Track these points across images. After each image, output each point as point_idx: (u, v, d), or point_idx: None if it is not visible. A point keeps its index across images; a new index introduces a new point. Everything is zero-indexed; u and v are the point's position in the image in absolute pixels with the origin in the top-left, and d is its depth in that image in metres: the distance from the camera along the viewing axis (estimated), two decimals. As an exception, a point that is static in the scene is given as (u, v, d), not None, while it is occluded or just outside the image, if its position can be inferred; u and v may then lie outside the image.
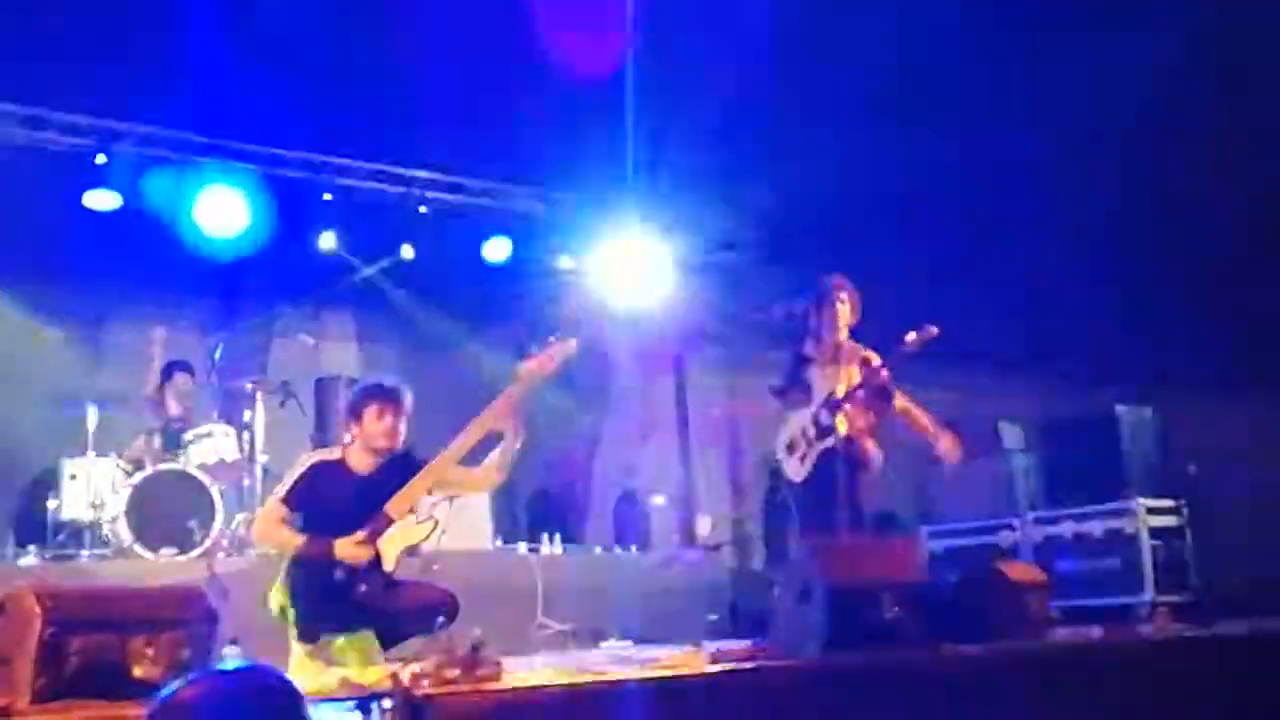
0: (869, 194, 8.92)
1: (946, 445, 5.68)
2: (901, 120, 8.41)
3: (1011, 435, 8.31)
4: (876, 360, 5.76)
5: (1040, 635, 4.80)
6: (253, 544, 6.63)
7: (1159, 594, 7.00)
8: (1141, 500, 7.30)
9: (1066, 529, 7.53)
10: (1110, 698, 4.34)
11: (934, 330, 5.59)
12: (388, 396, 4.61)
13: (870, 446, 5.78)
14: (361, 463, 4.61)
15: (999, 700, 4.12)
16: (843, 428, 5.61)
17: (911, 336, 5.61)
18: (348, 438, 4.66)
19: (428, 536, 4.62)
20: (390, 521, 4.40)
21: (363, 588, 4.28)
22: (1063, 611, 5.37)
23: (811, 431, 5.73)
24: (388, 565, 4.36)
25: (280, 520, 4.45)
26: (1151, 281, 10.50)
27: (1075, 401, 9.50)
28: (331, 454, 4.60)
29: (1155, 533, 7.20)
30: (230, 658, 4.72)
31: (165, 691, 1.76)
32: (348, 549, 4.24)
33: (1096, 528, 7.37)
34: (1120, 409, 7.81)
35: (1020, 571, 5.17)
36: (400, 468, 4.58)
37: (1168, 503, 7.43)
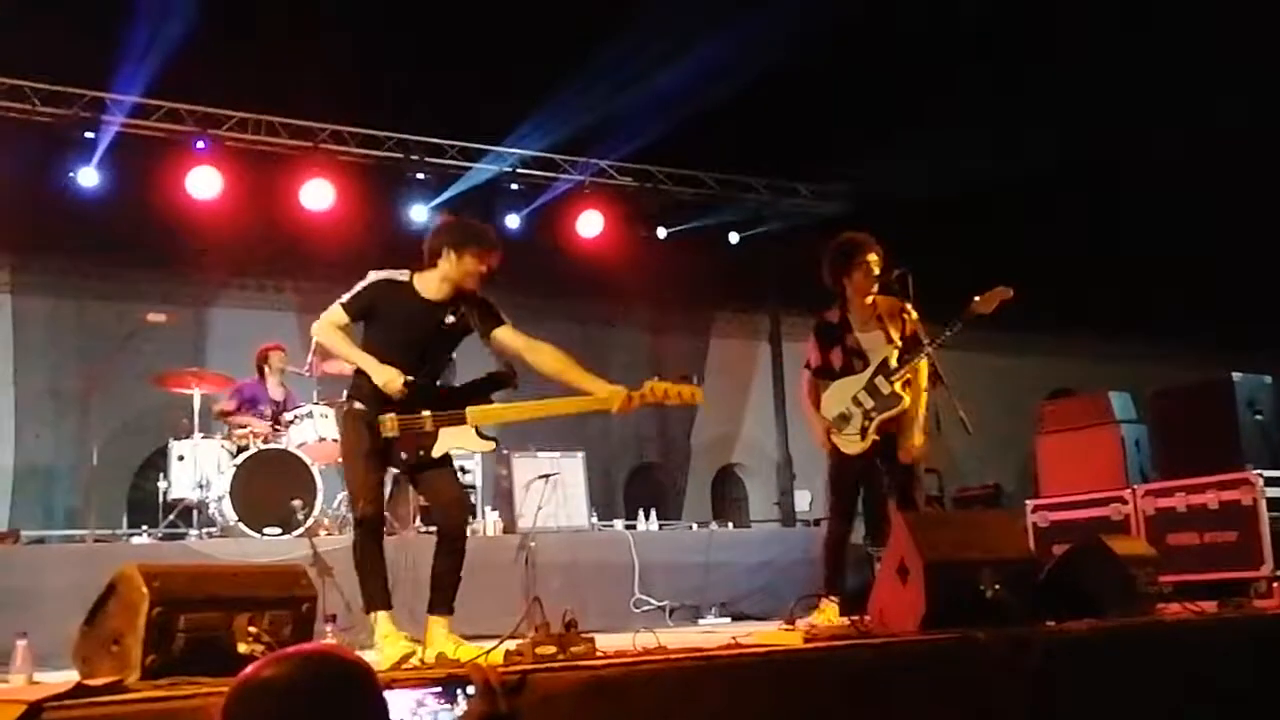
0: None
1: None
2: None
3: (1122, 404, 8.03)
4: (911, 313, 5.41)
5: (1149, 611, 4.66)
6: (352, 520, 6.72)
7: (1278, 568, 6.74)
8: (1259, 471, 7.02)
9: (1179, 501, 7.29)
10: (1225, 676, 4.19)
11: (1008, 292, 5.27)
12: (493, 247, 4.40)
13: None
14: (433, 289, 4.41)
15: (1105, 679, 4.01)
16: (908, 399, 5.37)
17: (978, 299, 5.28)
18: (433, 267, 4.36)
19: (479, 450, 4.80)
20: (462, 421, 4.37)
21: (406, 456, 4.34)
22: (1175, 587, 5.18)
23: (870, 403, 5.42)
24: (436, 453, 4.34)
25: (340, 326, 4.36)
26: (1272, 244, 10.08)
27: (1189, 368, 9.17)
28: (399, 274, 4.41)
29: (1274, 504, 6.93)
30: (330, 634, 4.87)
31: (244, 673, 1.78)
32: (408, 421, 4.24)
33: (1211, 499, 7.13)
34: (1236, 376, 7.51)
35: (1127, 545, 5.02)
36: (477, 309, 4.42)
37: (1287, 473, 7.15)
